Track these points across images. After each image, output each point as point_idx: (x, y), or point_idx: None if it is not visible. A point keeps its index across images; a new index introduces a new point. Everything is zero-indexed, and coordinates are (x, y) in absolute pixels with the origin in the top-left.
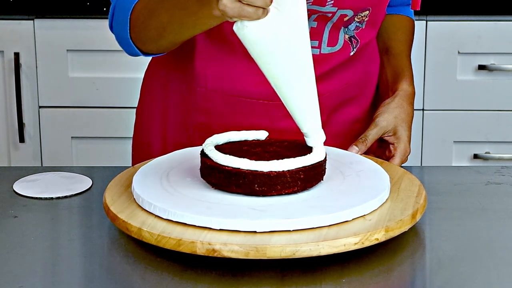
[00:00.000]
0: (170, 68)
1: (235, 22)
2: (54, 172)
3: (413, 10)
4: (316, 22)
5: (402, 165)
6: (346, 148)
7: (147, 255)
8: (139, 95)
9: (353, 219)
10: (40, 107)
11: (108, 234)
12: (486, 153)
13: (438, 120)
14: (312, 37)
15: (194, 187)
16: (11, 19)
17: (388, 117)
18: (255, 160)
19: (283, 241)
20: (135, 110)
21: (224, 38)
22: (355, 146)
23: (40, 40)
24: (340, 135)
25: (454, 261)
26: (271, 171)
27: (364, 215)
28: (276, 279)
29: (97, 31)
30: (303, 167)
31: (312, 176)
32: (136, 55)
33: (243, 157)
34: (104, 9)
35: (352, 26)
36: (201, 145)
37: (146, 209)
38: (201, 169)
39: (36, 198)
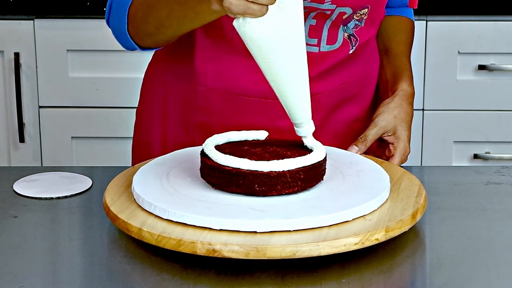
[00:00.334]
0: (170, 68)
1: (235, 18)
2: (54, 172)
3: (413, 11)
4: (315, 20)
5: (402, 165)
6: (346, 148)
7: (147, 255)
8: (139, 95)
9: (353, 219)
10: (40, 107)
11: (108, 234)
12: (486, 153)
13: (438, 120)
14: (311, 35)
15: (194, 187)
16: (11, 19)
17: (387, 117)
18: (255, 160)
19: (283, 241)
20: (135, 110)
21: (224, 37)
22: (355, 146)
23: (40, 40)
24: (340, 135)
25: (454, 261)
26: (271, 171)
27: (364, 215)
28: (276, 279)
29: (97, 31)
30: (303, 167)
31: (312, 176)
32: (133, 49)
33: (243, 157)
34: (104, 9)
35: (351, 24)
36: (201, 144)
37: (146, 209)
38: (201, 169)
39: (36, 198)
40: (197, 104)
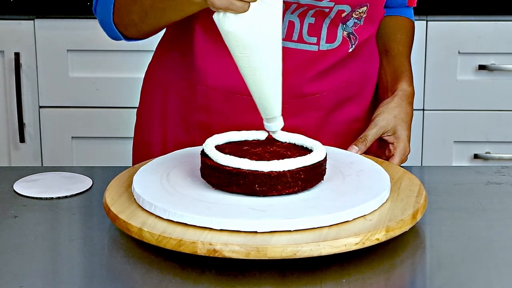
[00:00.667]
0: (170, 67)
1: (215, 12)
2: (54, 172)
3: (413, 12)
4: (314, 18)
5: (402, 165)
6: (346, 148)
7: (147, 255)
8: (139, 95)
9: (353, 219)
10: (40, 107)
11: (108, 234)
12: (486, 153)
13: (438, 120)
14: (310, 34)
15: (195, 187)
16: (11, 19)
17: (387, 117)
18: (256, 160)
19: (283, 241)
20: (135, 110)
21: None
22: (355, 146)
23: (40, 40)
24: (340, 135)
25: (454, 261)
26: (272, 171)
27: (365, 215)
28: (276, 279)
29: (97, 31)
30: (303, 167)
31: (312, 176)
32: (118, 39)
33: (244, 157)
34: None
35: (350, 23)
36: (201, 144)
37: (147, 209)
38: (201, 169)
39: (36, 198)
40: (197, 103)
